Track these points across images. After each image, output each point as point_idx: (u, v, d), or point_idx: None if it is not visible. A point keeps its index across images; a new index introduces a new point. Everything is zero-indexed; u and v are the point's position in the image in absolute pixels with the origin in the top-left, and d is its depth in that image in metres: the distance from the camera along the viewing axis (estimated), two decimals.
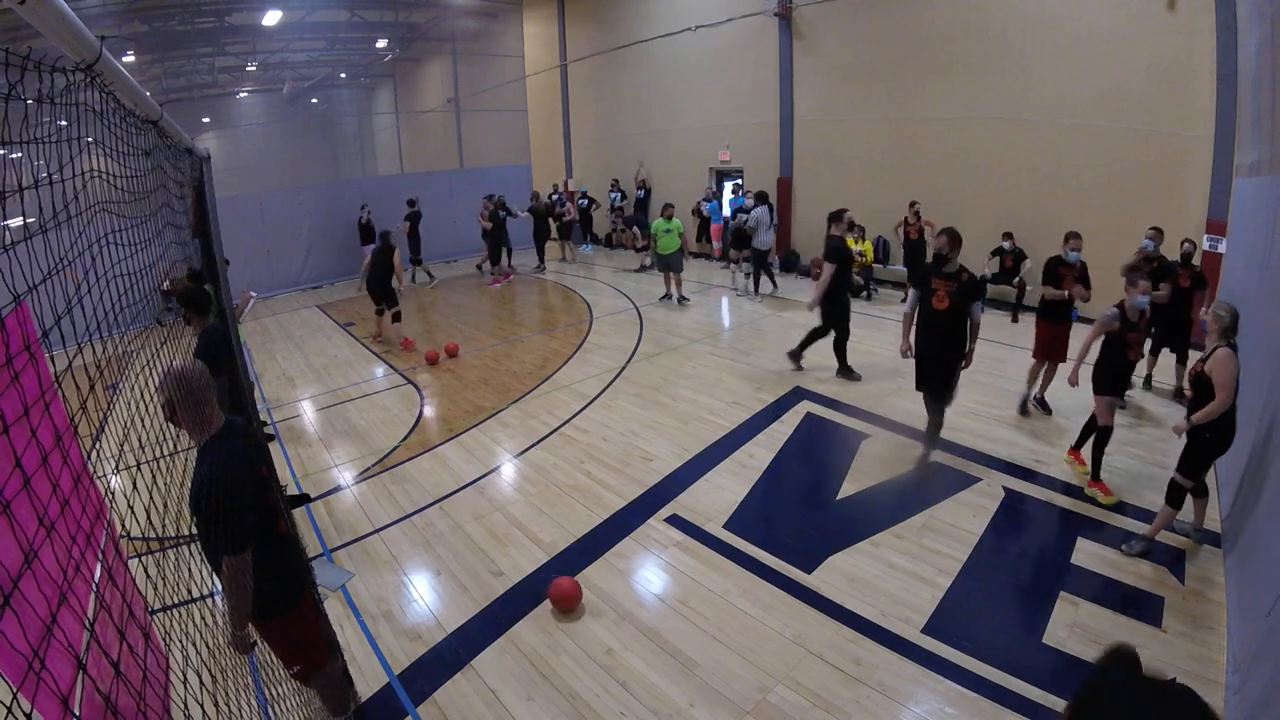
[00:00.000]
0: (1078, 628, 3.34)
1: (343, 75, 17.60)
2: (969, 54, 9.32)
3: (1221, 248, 6.91)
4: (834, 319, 6.76)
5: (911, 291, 4.98)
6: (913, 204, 9.37)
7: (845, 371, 6.91)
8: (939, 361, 4.83)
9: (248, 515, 2.14)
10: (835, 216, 6.79)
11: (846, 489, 4.77)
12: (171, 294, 4.08)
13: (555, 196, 14.49)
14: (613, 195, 15.67)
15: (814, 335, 6.95)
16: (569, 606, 3.59)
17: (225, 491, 2.08)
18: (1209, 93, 7.14)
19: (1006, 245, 8.70)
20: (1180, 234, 6.63)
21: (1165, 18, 7.40)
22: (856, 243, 9.95)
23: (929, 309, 4.73)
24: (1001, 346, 7.73)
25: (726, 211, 13.13)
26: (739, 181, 13.48)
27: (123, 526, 2.03)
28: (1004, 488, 4.67)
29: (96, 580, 1.80)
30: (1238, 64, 6.72)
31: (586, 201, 15.33)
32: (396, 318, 8.86)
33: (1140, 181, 7.94)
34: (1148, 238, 6.18)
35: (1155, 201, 7.73)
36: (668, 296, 10.44)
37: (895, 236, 9.78)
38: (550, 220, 13.95)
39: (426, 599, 3.80)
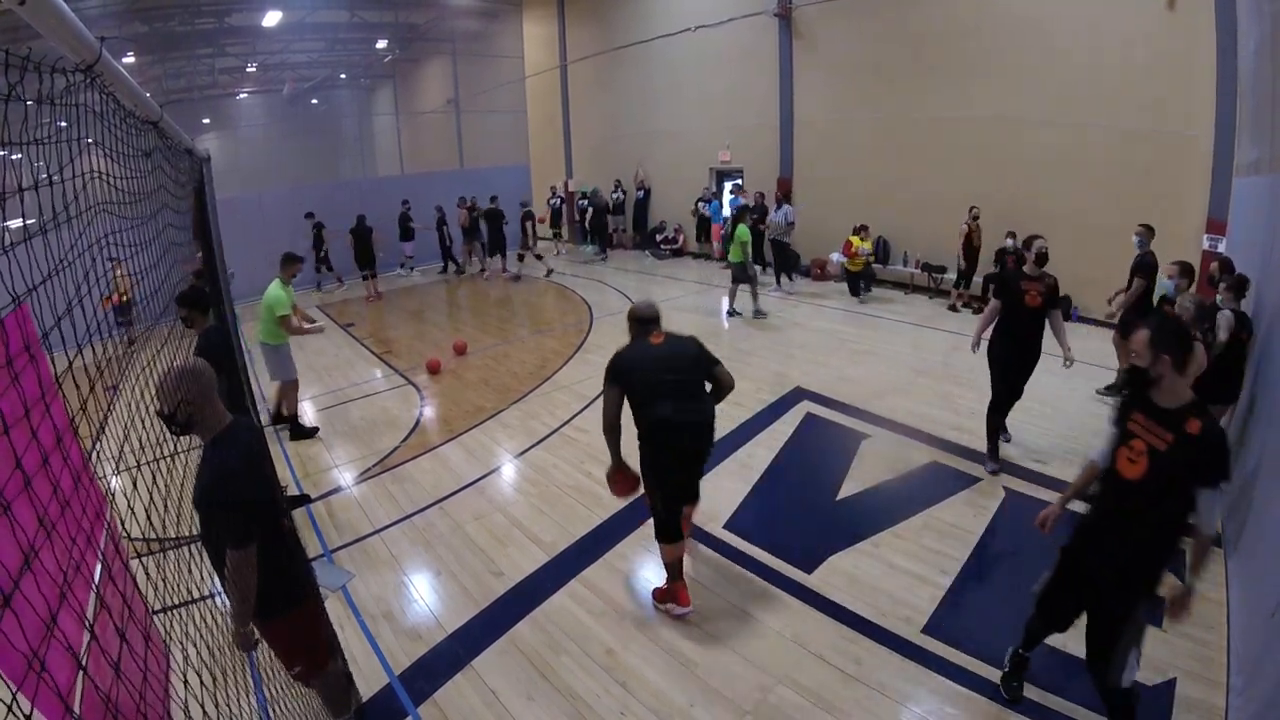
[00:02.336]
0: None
1: (343, 76, 17.63)
2: (969, 53, 9.32)
3: (1221, 247, 6.90)
4: None
5: (1097, 452, 2.56)
6: (972, 209, 9.11)
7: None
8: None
9: (252, 511, 2.15)
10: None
11: (847, 489, 4.76)
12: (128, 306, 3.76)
13: (554, 201, 14.61)
14: (614, 194, 15.67)
15: None
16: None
17: (231, 488, 2.09)
18: (1209, 93, 7.13)
19: (1010, 244, 8.69)
20: (1181, 234, 6.59)
21: (1165, 18, 7.40)
22: (861, 242, 9.96)
23: (1119, 470, 2.41)
24: None
25: (727, 211, 13.13)
26: (739, 181, 13.47)
27: (122, 527, 2.03)
28: (1004, 488, 4.66)
29: (97, 580, 1.80)
30: (1238, 64, 6.72)
31: (586, 202, 15.38)
32: (373, 276, 11.70)
33: (1140, 181, 7.94)
34: (1136, 234, 6.07)
35: (1155, 201, 7.72)
36: (759, 313, 9.31)
37: (956, 244, 9.31)
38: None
39: (427, 599, 3.80)
